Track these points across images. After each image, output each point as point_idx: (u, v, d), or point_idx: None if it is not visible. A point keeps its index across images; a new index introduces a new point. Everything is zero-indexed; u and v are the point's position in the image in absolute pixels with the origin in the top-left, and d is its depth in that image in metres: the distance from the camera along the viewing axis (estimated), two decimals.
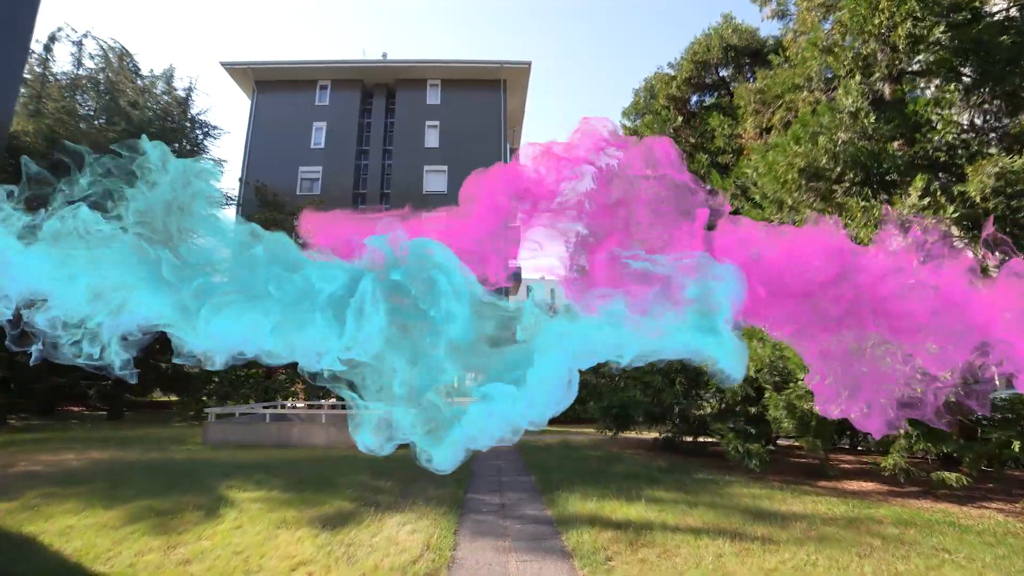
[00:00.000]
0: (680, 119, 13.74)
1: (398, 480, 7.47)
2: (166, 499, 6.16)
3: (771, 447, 8.29)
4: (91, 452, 9.63)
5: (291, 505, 6.18)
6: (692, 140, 14.30)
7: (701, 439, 11.52)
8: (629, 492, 7.07)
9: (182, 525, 5.18)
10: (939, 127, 7.51)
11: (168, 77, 22.04)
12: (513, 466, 9.16)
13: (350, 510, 6.02)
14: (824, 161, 7.37)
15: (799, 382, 7.38)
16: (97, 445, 10.69)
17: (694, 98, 15.38)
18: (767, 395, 8.06)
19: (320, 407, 14.47)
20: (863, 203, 6.89)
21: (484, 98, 31.77)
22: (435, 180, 29.55)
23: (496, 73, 31.90)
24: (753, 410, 8.68)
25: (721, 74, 14.61)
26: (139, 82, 21.34)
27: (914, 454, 6.79)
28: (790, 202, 7.96)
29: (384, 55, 33.92)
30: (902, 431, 6.45)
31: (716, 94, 15.48)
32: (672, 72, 14.57)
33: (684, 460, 10.42)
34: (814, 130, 7.86)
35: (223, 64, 30.51)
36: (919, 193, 6.40)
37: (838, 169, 7.49)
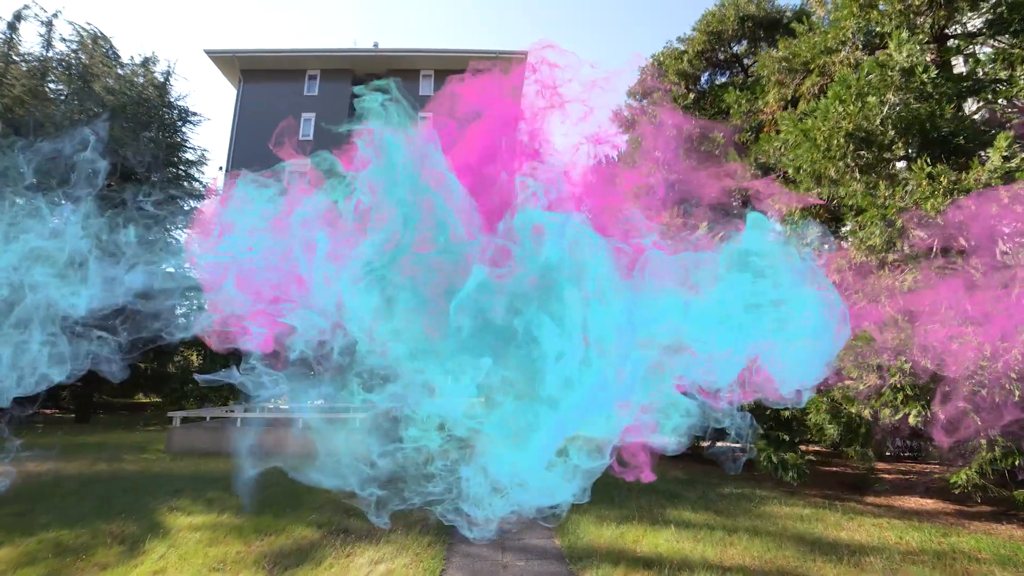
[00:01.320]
0: (692, 96, 12.63)
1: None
2: (84, 528, 4.98)
3: (811, 457, 7.22)
4: (27, 464, 8.40)
5: (239, 535, 5.01)
6: (704, 120, 13.21)
7: (719, 444, 10.43)
8: (651, 513, 5.94)
9: (87, 569, 4.00)
10: (1011, 86, 6.44)
11: (145, 61, 20.83)
12: None
13: (312, 541, 4.86)
14: (877, 122, 6.27)
15: (849, 381, 6.28)
16: (41, 454, 9.46)
17: (704, 76, 14.30)
18: (806, 397, 6.94)
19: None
20: (928, 169, 5.79)
21: None
22: None
23: (492, 64, 30.74)
24: (786, 413, 7.57)
25: (735, 50, 13.52)
26: (120, 71, 20.15)
27: (990, 469, 5.71)
28: (833, 173, 6.86)
29: (376, 44, 32.82)
30: (984, 441, 5.36)
31: (729, 73, 14.43)
32: (682, 47, 13.47)
33: (703, 469, 9.31)
34: (859, 90, 6.77)
35: (208, 52, 29.29)
36: (1003, 154, 5.31)
37: (891, 133, 6.40)
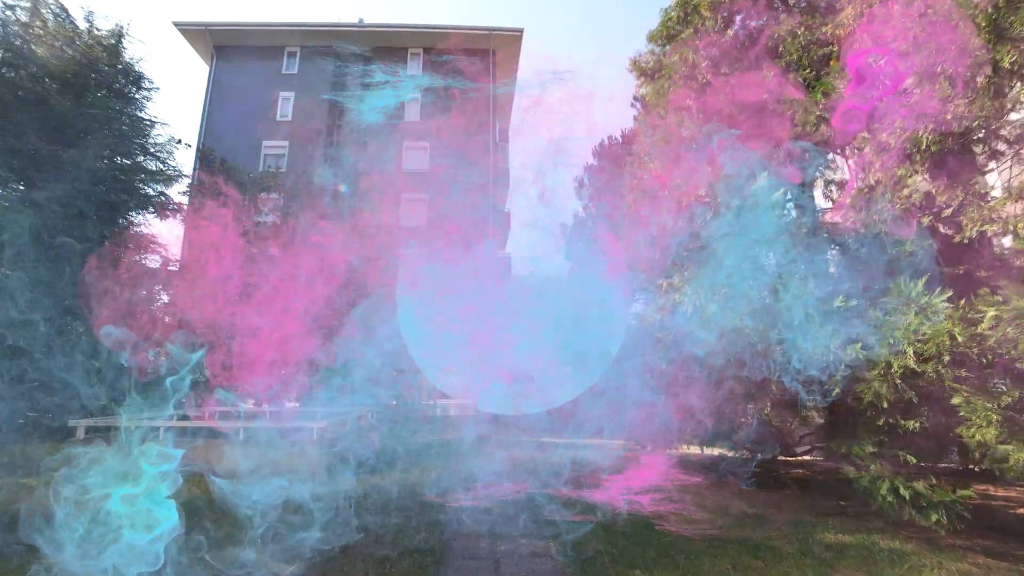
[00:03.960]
0: (731, 32, 10.38)
1: (314, 566, 3.95)
2: None
3: (967, 493, 4.88)
4: None
5: None
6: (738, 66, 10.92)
7: (782, 458, 8.14)
8: None
9: None
10: None
11: (90, 16, 18.29)
12: (515, 523, 5.59)
13: None
14: None
15: None
16: None
17: (738, 19, 12.03)
18: (960, 400, 4.62)
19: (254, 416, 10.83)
20: None
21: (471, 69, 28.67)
22: (416, 157, 26.06)
23: (484, 42, 28.65)
24: (913, 425, 5.22)
25: None
26: (78, 42, 17.66)
27: None
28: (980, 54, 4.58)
29: (360, 20, 30.54)
30: None
31: (765, 18, 12.18)
32: None
33: (769, 496, 7.00)
34: None
35: (177, 24, 26.86)
36: None
37: None
